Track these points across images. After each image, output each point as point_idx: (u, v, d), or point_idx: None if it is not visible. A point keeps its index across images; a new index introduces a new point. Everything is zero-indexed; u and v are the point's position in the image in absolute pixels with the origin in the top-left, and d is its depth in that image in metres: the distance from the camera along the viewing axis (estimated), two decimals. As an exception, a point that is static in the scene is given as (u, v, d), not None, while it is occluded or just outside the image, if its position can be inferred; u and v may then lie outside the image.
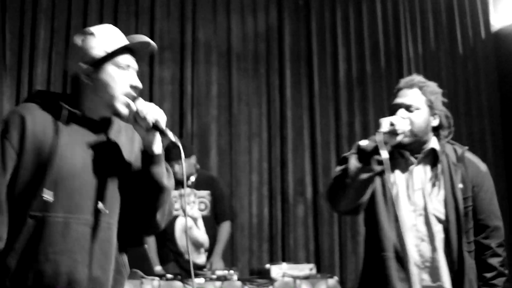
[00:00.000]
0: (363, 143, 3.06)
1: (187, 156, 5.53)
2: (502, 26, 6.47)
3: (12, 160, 2.34)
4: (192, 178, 5.61)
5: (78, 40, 2.55)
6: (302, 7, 7.35)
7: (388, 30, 7.14)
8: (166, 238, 5.42)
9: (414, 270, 3.08)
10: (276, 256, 6.68)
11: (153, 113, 2.40)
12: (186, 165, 5.44)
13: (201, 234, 5.49)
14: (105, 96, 2.45)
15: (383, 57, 7.10)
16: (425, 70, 6.78)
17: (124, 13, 6.76)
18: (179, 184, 5.45)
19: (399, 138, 3.05)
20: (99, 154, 2.44)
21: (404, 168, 3.20)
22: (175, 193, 5.38)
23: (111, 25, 2.64)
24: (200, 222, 5.51)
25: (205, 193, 5.64)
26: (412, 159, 3.19)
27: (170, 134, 2.40)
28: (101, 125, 2.51)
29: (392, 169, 3.12)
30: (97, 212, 2.39)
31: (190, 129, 6.76)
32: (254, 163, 6.94)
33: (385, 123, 3.02)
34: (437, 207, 3.10)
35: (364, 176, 3.01)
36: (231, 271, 4.76)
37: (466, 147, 3.26)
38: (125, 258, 2.55)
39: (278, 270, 4.82)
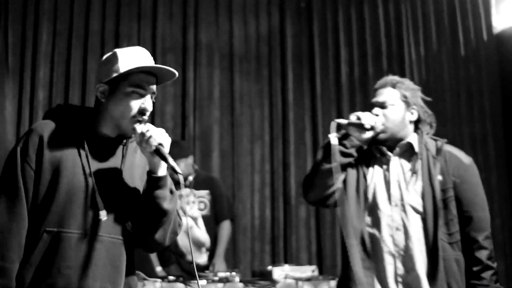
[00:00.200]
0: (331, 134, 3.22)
1: (185, 156, 5.54)
2: (504, 28, 6.46)
3: (32, 180, 2.45)
4: (190, 178, 5.61)
5: (103, 59, 2.64)
6: (304, 9, 7.36)
7: (390, 32, 7.14)
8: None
9: (388, 259, 3.14)
10: (278, 257, 6.69)
11: (157, 137, 2.46)
12: (183, 165, 5.45)
13: (201, 233, 5.50)
14: (115, 115, 2.53)
15: (385, 59, 7.10)
16: (427, 72, 6.77)
17: (127, 15, 6.76)
18: (177, 184, 5.47)
19: (370, 133, 3.20)
20: (112, 173, 2.54)
21: (383, 163, 3.30)
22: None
23: (139, 47, 2.70)
24: (200, 222, 5.52)
25: (204, 192, 5.64)
26: (390, 154, 3.28)
27: (171, 161, 2.44)
28: (118, 142, 2.60)
29: (371, 165, 3.30)
30: (108, 229, 2.47)
31: (192, 131, 6.76)
32: (256, 165, 6.95)
33: (352, 116, 3.20)
34: (415, 198, 3.16)
35: (328, 166, 3.16)
36: (233, 273, 4.76)
37: (445, 140, 3.31)
38: (134, 270, 2.64)
39: (280, 272, 4.82)
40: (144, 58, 2.62)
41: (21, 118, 6.22)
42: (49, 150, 2.48)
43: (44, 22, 6.42)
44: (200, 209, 5.59)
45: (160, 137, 2.47)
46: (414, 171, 3.20)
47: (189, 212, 5.49)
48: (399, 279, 3.12)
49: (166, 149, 2.46)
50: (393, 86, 3.33)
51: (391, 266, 3.14)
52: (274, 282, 4.72)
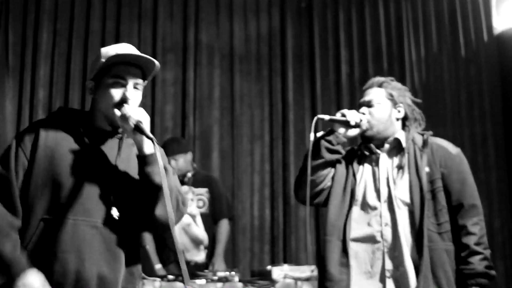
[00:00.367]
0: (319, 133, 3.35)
1: (184, 151, 5.54)
2: (504, 29, 6.45)
3: (24, 166, 2.56)
4: (189, 175, 5.60)
5: (91, 59, 2.78)
6: (304, 9, 7.36)
7: (391, 33, 7.14)
8: (167, 236, 5.42)
9: (377, 255, 3.17)
10: (278, 257, 6.69)
11: (136, 115, 2.50)
12: (182, 161, 5.45)
13: (200, 231, 5.50)
14: (101, 107, 2.63)
15: (386, 60, 7.09)
16: (428, 73, 6.76)
17: (127, 15, 6.77)
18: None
19: (356, 130, 3.31)
20: (106, 163, 2.61)
21: (372, 161, 3.36)
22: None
23: (125, 43, 2.79)
24: (199, 219, 5.52)
25: (203, 190, 5.63)
26: (378, 151, 3.34)
27: (149, 134, 2.49)
28: (114, 135, 2.69)
29: (361, 163, 3.37)
30: (106, 215, 2.53)
31: (192, 131, 6.77)
32: (256, 165, 6.95)
33: (337, 113, 3.31)
34: (402, 191, 3.20)
35: (315, 163, 3.28)
36: (233, 273, 4.75)
37: (430, 132, 3.37)
38: (137, 259, 2.69)
39: (279, 272, 4.81)
40: (126, 51, 2.67)
41: (21, 117, 6.23)
42: (44, 141, 2.58)
43: (44, 22, 6.43)
44: (199, 207, 5.58)
45: (139, 115, 2.51)
46: (401, 166, 3.25)
47: (188, 209, 5.49)
48: (388, 274, 3.14)
49: (145, 126, 2.50)
50: (379, 85, 3.42)
51: (380, 262, 3.17)
52: (273, 282, 4.71)
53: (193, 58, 6.93)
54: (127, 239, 2.60)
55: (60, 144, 2.59)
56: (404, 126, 3.39)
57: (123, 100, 2.58)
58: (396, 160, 3.30)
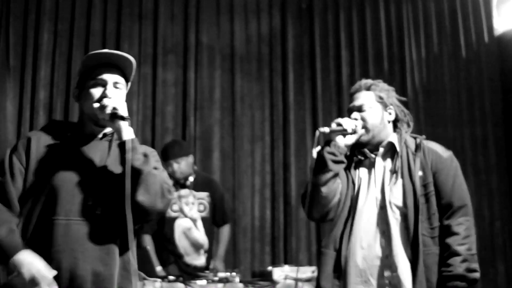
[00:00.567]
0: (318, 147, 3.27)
1: (186, 154, 5.52)
2: (505, 30, 6.47)
3: (21, 171, 2.66)
4: (191, 179, 5.58)
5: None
6: (305, 10, 7.36)
7: (392, 34, 7.14)
8: (165, 239, 5.42)
9: (374, 261, 3.16)
10: (278, 258, 6.69)
11: (112, 103, 2.61)
12: (184, 164, 5.44)
13: (200, 235, 5.49)
14: (85, 109, 2.73)
15: (386, 61, 7.10)
16: (428, 74, 6.78)
17: (128, 16, 6.77)
18: (177, 184, 5.49)
19: (353, 137, 3.24)
20: (95, 164, 2.69)
21: (367, 166, 3.33)
22: (173, 194, 5.44)
23: (104, 50, 2.87)
24: (200, 224, 5.51)
25: (203, 194, 5.60)
26: (373, 155, 3.32)
27: (125, 116, 2.61)
28: (103, 137, 2.78)
29: (357, 168, 3.34)
30: (95, 214, 2.60)
31: (193, 132, 6.76)
32: (256, 166, 6.95)
33: (333, 124, 3.23)
34: (396, 196, 3.18)
35: (325, 177, 3.19)
36: (233, 273, 4.76)
37: (423, 136, 3.33)
38: (131, 256, 2.69)
39: (280, 273, 4.82)
40: (100, 51, 2.79)
41: (22, 118, 6.23)
42: (36, 148, 2.69)
43: (45, 22, 6.43)
44: (200, 211, 5.57)
45: (115, 103, 2.62)
46: (394, 170, 3.23)
47: (189, 213, 5.48)
48: (386, 281, 3.12)
49: (121, 111, 2.60)
50: (368, 88, 3.37)
51: (377, 268, 3.15)
52: (274, 282, 4.72)
53: (194, 58, 6.93)
54: (119, 235, 2.63)
55: (50, 150, 2.69)
56: (395, 128, 3.37)
57: (103, 96, 2.67)
58: (390, 164, 3.27)
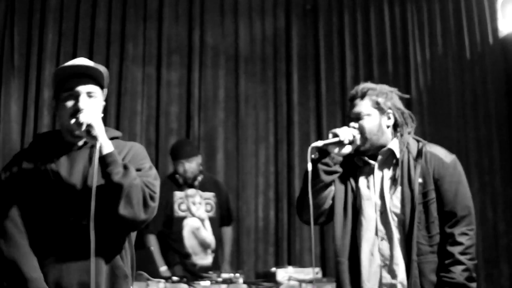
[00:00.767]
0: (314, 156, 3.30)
1: (194, 155, 5.54)
2: (510, 32, 6.44)
3: (13, 192, 2.73)
4: (200, 178, 5.61)
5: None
6: (309, 11, 7.36)
7: (396, 35, 7.13)
8: (172, 239, 5.43)
9: (374, 268, 3.17)
10: (282, 259, 6.69)
11: (87, 120, 2.63)
12: (195, 163, 5.47)
13: (208, 234, 5.51)
14: (62, 121, 2.79)
15: (391, 62, 7.09)
16: (433, 75, 6.76)
17: (132, 16, 6.77)
18: (185, 184, 5.51)
19: (350, 147, 3.24)
20: (79, 173, 2.73)
21: (368, 173, 3.31)
22: (181, 194, 5.48)
23: (77, 59, 2.98)
24: (207, 223, 5.52)
25: (210, 194, 5.63)
26: (373, 162, 3.29)
27: (97, 136, 2.62)
28: (84, 146, 2.82)
29: (357, 175, 3.32)
30: (80, 224, 2.61)
31: (197, 133, 6.77)
32: (260, 166, 6.96)
33: (330, 134, 3.24)
34: (395, 203, 3.17)
35: (315, 187, 3.22)
36: (237, 274, 4.76)
37: (425, 142, 3.30)
38: (119, 261, 2.73)
39: (283, 274, 4.81)
40: (70, 63, 2.86)
41: (26, 118, 6.24)
42: (22, 166, 2.77)
43: (50, 22, 6.44)
44: (207, 211, 5.59)
45: (90, 119, 2.64)
46: (394, 178, 3.21)
47: (196, 213, 5.50)
48: None
49: (96, 128, 2.63)
50: (364, 95, 3.32)
51: (377, 275, 3.16)
52: (277, 283, 4.72)
53: (198, 59, 6.93)
54: (104, 243, 2.65)
55: (35, 167, 2.74)
56: (395, 132, 3.32)
57: (77, 110, 2.69)
58: (390, 171, 3.25)
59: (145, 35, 6.80)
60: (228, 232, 5.80)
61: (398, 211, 3.15)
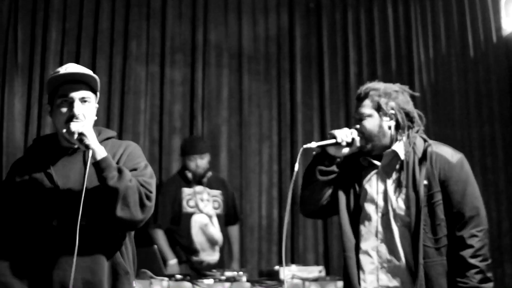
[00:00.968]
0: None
1: (204, 152, 5.60)
2: (513, 30, 6.44)
3: (12, 198, 2.83)
4: (209, 175, 5.66)
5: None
6: (313, 10, 7.35)
7: (399, 34, 7.12)
8: (180, 235, 5.45)
9: (370, 269, 3.17)
10: (285, 257, 6.67)
11: (79, 128, 2.71)
12: (206, 160, 5.51)
13: (216, 231, 5.54)
14: (57, 127, 2.86)
15: (394, 61, 7.08)
16: (436, 74, 6.75)
17: (136, 15, 6.77)
18: (194, 181, 5.55)
19: (347, 149, 3.25)
20: (76, 176, 2.80)
21: (372, 174, 3.29)
22: (189, 190, 5.52)
23: (69, 64, 3.01)
24: (215, 220, 5.55)
25: (217, 192, 5.69)
26: (378, 163, 3.28)
27: (89, 146, 2.70)
28: (79, 150, 2.87)
29: (362, 176, 3.31)
30: (78, 225, 2.63)
31: (201, 131, 6.77)
32: (264, 165, 6.96)
33: (328, 135, 3.29)
34: (400, 206, 3.14)
35: (311, 184, 3.35)
36: (240, 272, 4.76)
37: (432, 141, 3.25)
38: (119, 258, 2.78)
39: (287, 272, 4.81)
40: (64, 71, 2.89)
41: (29, 116, 6.24)
42: (21, 172, 2.86)
43: (53, 20, 6.44)
44: (215, 208, 5.64)
45: (82, 128, 2.72)
46: (399, 180, 3.17)
47: (204, 209, 5.53)
48: None
49: (88, 137, 2.71)
50: (366, 95, 3.31)
51: (374, 276, 3.16)
52: (281, 282, 4.72)
53: (201, 58, 6.93)
54: (104, 242, 2.74)
55: (32, 173, 2.82)
56: (398, 133, 3.28)
57: (71, 116, 2.78)
58: (394, 173, 3.22)
59: (149, 34, 6.80)
60: (235, 231, 5.84)
61: (403, 213, 3.13)
